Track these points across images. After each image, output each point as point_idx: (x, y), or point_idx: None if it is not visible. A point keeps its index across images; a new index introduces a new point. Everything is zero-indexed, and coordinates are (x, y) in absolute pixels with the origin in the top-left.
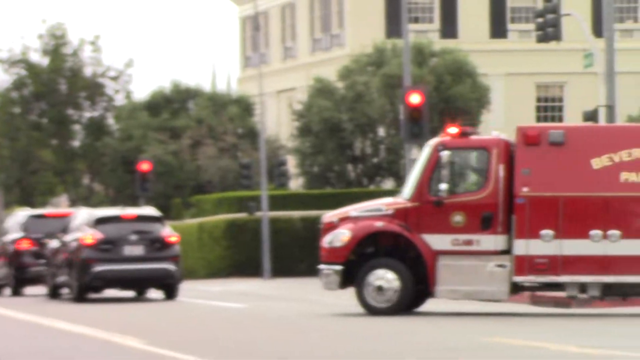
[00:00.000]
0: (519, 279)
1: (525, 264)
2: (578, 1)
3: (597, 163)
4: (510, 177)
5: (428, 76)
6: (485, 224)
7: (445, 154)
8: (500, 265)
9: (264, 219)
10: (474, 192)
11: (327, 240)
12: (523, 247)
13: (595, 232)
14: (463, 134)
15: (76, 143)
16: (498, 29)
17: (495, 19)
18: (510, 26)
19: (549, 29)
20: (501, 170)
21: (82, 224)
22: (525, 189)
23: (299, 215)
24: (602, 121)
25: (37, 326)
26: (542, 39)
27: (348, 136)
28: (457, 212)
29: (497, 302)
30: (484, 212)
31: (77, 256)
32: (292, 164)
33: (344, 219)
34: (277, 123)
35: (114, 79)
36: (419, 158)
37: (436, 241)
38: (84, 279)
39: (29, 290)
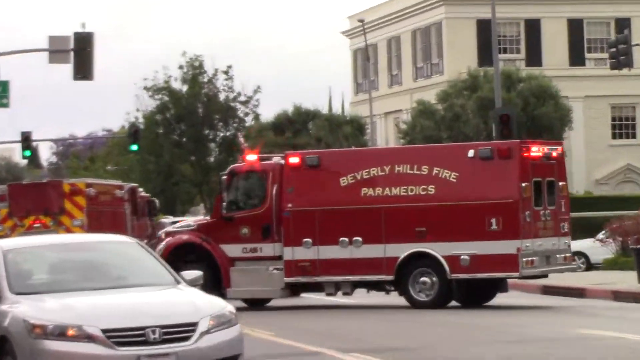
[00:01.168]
0: (288, 279)
1: (292, 267)
2: None
3: (344, 181)
4: (281, 195)
5: (516, 99)
6: (265, 234)
7: (224, 179)
8: (277, 269)
9: None
10: (256, 208)
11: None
12: (290, 253)
13: (343, 239)
14: (262, 159)
15: (211, 159)
16: (577, 58)
17: (574, 49)
18: (587, 55)
19: (621, 58)
20: (274, 190)
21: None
22: (289, 205)
23: None
24: None
25: None
26: (615, 66)
27: None
28: (244, 225)
29: (274, 299)
30: (263, 224)
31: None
32: None
33: (168, 233)
34: (386, 140)
35: (244, 103)
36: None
37: (231, 250)
38: None
39: None
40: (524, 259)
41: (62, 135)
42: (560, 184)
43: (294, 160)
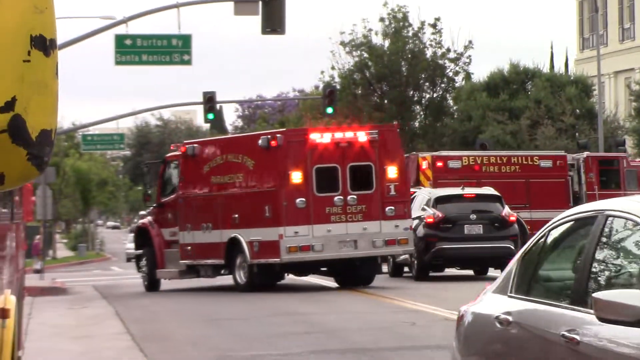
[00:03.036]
0: (183, 262)
1: (183, 251)
2: None
3: (205, 170)
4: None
5: None
6: (176, 220)
7: (160, 167)
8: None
9: None
10: (173, 195)
11: None
12: (182, 237)
13: (203, 225)
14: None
15: (416, 124)
16: None
17: None
18: None
19: None
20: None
21: (422, 203)
22: (181, 192)
23: None
24: None
25: (378, 303)
26: None
27: None
28: (168, 211)
29: (174, 279)
30: (175, 210)
31: (417, 234)
32: (630, 143)
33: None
34: (615, 103)
35: (454, 60)
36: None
37: (165, 233)
38: (425, 258)
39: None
40: (287, 245)
41: (249, 96)
42: (389, 167)
43: (183, 149)
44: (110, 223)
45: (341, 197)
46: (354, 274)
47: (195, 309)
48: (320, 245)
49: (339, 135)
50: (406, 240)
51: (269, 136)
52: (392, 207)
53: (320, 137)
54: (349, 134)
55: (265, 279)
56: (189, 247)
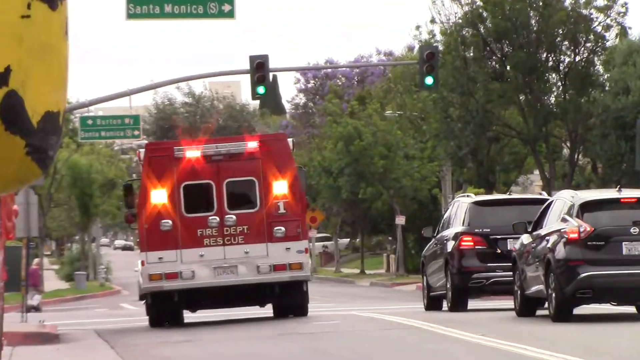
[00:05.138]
0: None
1: None
2: None
3: None
4: None
5: None
6: None
7: None
8: None
9: None
10: None
11: None
12: None
13: None
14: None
15: (551, 98)
16: None
17: None
18: None
19: None
20: None
21: (562, 211)
22: None
23: None
24: None
25: (506, 355)
26: None
27: None
28: None
29: None
30: None
31: (555, 256)
32: None
33: None
34: None
35: (603, 10)
36: None
37: None
38: (568, 288)
39: (477, 303)
40: (148, 273)
41: (314, 62)
42: (276, 182)
43: None
44: (119, 242)
45: (216, 218)
46: (280, 303)
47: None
48: (191, 272)
49: (211, 147)
50: (299, 265)
51: (143, 149)
52: (282, 228)
53: (189, 151)
54: (224, 147)
55: (159, 313)
56: None
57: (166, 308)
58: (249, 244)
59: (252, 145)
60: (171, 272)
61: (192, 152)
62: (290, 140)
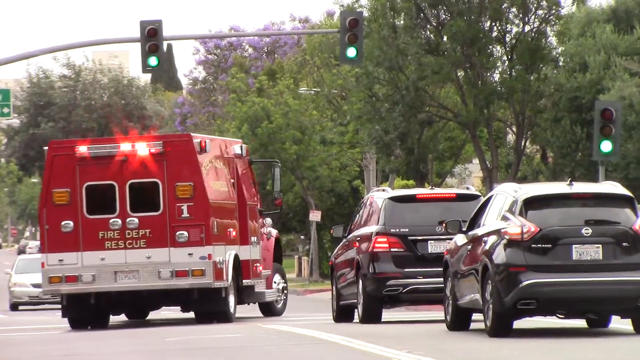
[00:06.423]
0: None
1: None
2: None
3: None
4: None
5: None
6: None
7: None
8: None
9: None
10: None
11: None
12: None
13: None
14: None
15: (495, 75)
16: None
17: None
18: None
19: None
20: None
21: (502, 208)
22: None
23: None
24: None
25: None
26: None
27: None
28: None
29: None
30: None
31: (492, 261)
32: None
33: None
34: None
35: None
36: None
37: None
38: (508, 298)
39: (392, 314)
40: (48, 275)
41: (216, 29)
42: (180, 184)
43: None
44: None
45: (118, 220)
46: (198, 308)
47: None
48: (91, 276)
49: (114, 147)
50: (201, 271)
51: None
52: (185, 232)
53: (93, 150)
54: (127, 146)
55: (75, 314)
56: None
57: (85, 311)
58: (151, 249)
59: (156, 145)
60: (70, 275)
61: (96, 152)
62: (197, 141)
